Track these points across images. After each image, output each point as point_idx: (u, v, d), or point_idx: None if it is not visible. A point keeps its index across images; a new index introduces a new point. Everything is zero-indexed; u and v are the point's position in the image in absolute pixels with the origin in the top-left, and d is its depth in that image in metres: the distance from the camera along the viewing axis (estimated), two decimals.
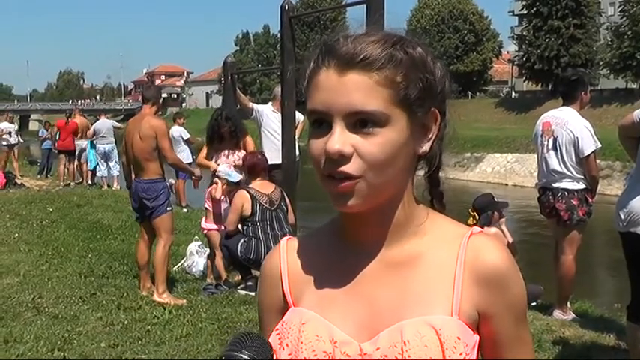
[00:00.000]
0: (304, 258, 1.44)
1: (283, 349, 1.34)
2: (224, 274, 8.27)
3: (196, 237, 9.37)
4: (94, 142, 19.95)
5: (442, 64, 1.36)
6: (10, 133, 22.86)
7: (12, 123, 23.63)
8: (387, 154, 1.25)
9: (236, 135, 8.65)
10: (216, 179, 8.38)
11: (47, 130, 22.68)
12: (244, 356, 1.22)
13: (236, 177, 8.24)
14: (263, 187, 7.81)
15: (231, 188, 8.21)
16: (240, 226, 7.82)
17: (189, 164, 15.30)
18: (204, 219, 8.64)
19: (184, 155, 16.32)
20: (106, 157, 19.42)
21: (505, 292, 1.33)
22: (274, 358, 1.31)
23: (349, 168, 1.25)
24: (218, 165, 8.50)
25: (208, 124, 8.78)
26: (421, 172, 1.42)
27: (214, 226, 8.36)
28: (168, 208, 7.63)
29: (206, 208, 8.53)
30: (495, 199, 7.73)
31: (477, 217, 7.40)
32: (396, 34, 1.33)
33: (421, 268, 1.34)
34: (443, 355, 1.25)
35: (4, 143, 22.51)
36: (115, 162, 19.29)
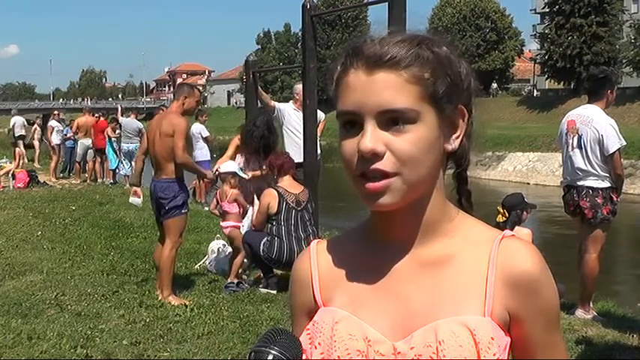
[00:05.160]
0: (335, 259, 1.44)
1: (315, 348, 1.35)
2: (238, 274, 8.29)
3: (218, 235, 9.39)
4: (119, 139, 20.03)
5: (467, 62, 1.38)
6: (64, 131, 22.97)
7: (58, 122, 23.65)
8: (420, 150, 1.27)
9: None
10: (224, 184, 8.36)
11: (71, 129, 22.76)
12: (273, 352, 1.23)
13: (242, 172, 8.33)
14: (291, 186, 7.84)
15: (239, 179, 8.30)
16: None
17: (208, 162, 15.32)
18: (221, 221, 8.61)
19: (203, 152, 16.35)
20: (129, 155, 19.45)
21: (537, 297, 1.33)
22: (304, 356, 1.31)
23: (383, 165, 1.26)
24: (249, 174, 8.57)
25: (250, 129, 8.70)
26: (449, 172, 1.43)
27: (232, 223, 8.33)
28: (183, 210, 7.48)
29: (225, 211, 8.51)
30: (525, 199, 7.69)
31: (507, 215, 7.36)
32: (420, 34, 1.35)
33: (453, 268, 1.34)
34: (478, 356, 1.26)
35: (57, 142, 22.58)
36: None
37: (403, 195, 1.28)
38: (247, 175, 8.45)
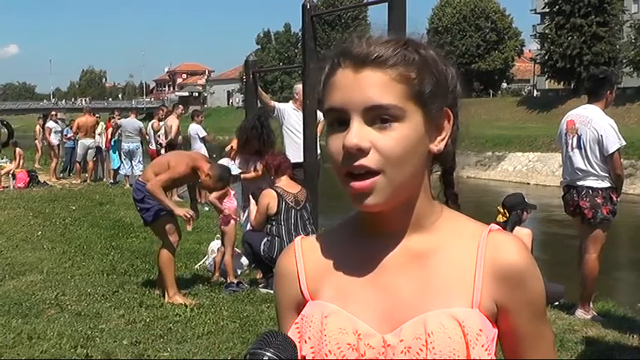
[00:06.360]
0: (321, 253, 1.45)
1: (305, 342, 1.36)
2: (216, 274, 8.42)
3: (218, 235, 9.39)
4: (120, 139, 19.98)
5: (454, 66, 1.40)
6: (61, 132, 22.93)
7: (56, 122, 23.55)
8: (404, 148, 1.28)
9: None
10: None
11: (71, 129, 22.74)
12: (268, 353, 1.23)
13: (236, 170, 8.36)
14: (289, 186, 7.85)
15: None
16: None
17: None
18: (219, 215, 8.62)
19: (201, 153, 16.29)
20: (130, 155, 19.41)
21: (523, 289, 1.35)
22: (298, 355, 1.32)
23: (367, 161, 1.27)
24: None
25: (245, 127, 8.79)
26: (437, 175, 1.46)
27: (232, 215, 8.33)
28: (161, 213, 7.42)
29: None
30: (525, 199, 7.69)
31: (508, 215, 7.36)
32: (406, 36, 1.37)
33: (441, 261, 1.36)
34: (466, 347, 1.27)
35: (55, 142, 22.58)
36: (139, 161, 19.29)
37: (389, 196, 1.29)
38: (237, 170, 8.53)
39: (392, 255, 1.38)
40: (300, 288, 1.44)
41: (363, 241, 1.41)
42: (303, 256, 1.46)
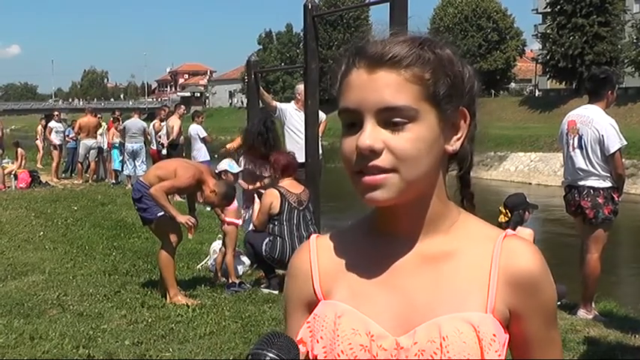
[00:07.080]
0: (336, 252, 1.45)
1: (317, 342, 1.36)
2: (218, 275, 8.41)
3: (219, 235, 9.39)
4: (124, 140, 19.97)
5: (471, 65, 1.39)
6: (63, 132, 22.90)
7: (58, 122, 23.58)
8: (418, 149, 1.28)
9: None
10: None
11: (73, 129, 22.72)
12: (271, 354, 1.23)
13: (237, 168, 8.38)
14: (292, 186, 7.83)
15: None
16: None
17: (207, 162, 15.27)
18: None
19: (202, 153, 16.29)
20: (134, 155, 19.39)
21: (537, 295, 1.35)
22: (301, 355, 1.32)
23: (381, 162, 1.27)
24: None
25: (252, 132, 8.77)
26: (453, 173, 1.44)
27: (235, 220, 8.33)
28: (158, 214, 7.43)
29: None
30: (527, 199, 7.69)
31: (509, 215, 7.36)
32: (423, 35, 1.35)
33: (455, 264, 1.35)
34: (481, 352, 1.27)
35: (57, 142, 22.56)
36: (142, 162, 19.29)
37: (398, 192, 1.29)
38: (239, 168, 8.54)
39: (406, 257, 1.37)
40: (314, 287, 1.43)
41: (377, 241, 1.40)
42: (318, 255, 1.46)
